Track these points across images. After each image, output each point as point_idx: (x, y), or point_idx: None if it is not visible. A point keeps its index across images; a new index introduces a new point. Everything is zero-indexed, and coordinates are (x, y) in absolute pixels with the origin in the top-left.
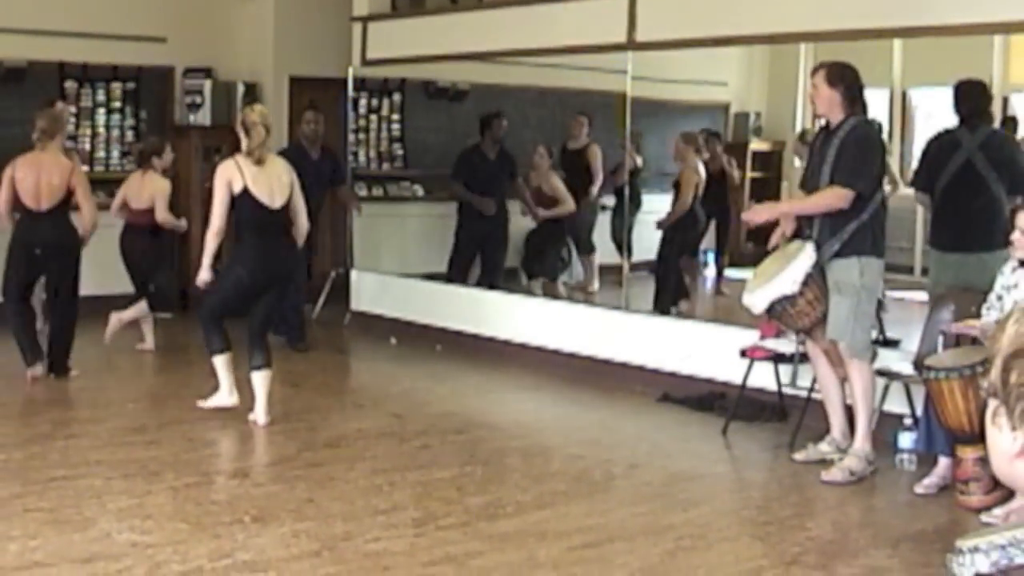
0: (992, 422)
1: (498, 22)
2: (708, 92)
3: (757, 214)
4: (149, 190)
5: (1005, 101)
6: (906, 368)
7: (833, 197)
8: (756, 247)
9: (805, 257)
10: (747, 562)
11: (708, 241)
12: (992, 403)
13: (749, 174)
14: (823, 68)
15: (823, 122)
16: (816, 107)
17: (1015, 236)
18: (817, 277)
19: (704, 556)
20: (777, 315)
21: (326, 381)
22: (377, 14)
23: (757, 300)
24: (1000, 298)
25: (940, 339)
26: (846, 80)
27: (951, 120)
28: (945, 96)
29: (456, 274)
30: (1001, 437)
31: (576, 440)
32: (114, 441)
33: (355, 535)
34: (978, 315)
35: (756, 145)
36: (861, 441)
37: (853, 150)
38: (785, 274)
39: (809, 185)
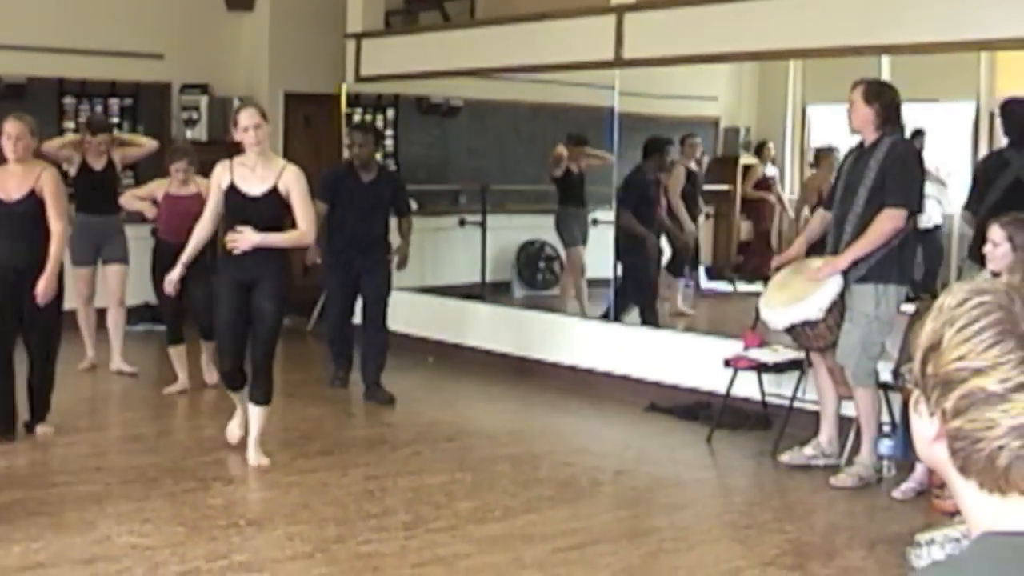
0: (914, 409)
1: (489, 39)
2: (698, 107)
3: (822, 272)
4: None
5: (992, 116)
6: (885, 376)
7: (889, 222)
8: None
9: (834, 284)
10: (726, 563)
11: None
12: (915, 393)
13: (740, 189)
14: (861, 84)
15: (856, 140)
16: (851, 123)
17: (987, 249)
18: (840, 303)
19: (685, 557)
20: (795, 335)
21: (320, 391)
22: (371, 31)
23: (778, 319)
24: None
25: None
26: (883, 98)
27: (941, 136)
28: (932, 111)
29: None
30: (921, 423)
31: (564, 448)
32: (114, 449)
33: (347, 538)
34: None
35: (746, 160)
36: (867, 454)
37: (897, 169)
38: (812, 299)
39: (840, 205)
